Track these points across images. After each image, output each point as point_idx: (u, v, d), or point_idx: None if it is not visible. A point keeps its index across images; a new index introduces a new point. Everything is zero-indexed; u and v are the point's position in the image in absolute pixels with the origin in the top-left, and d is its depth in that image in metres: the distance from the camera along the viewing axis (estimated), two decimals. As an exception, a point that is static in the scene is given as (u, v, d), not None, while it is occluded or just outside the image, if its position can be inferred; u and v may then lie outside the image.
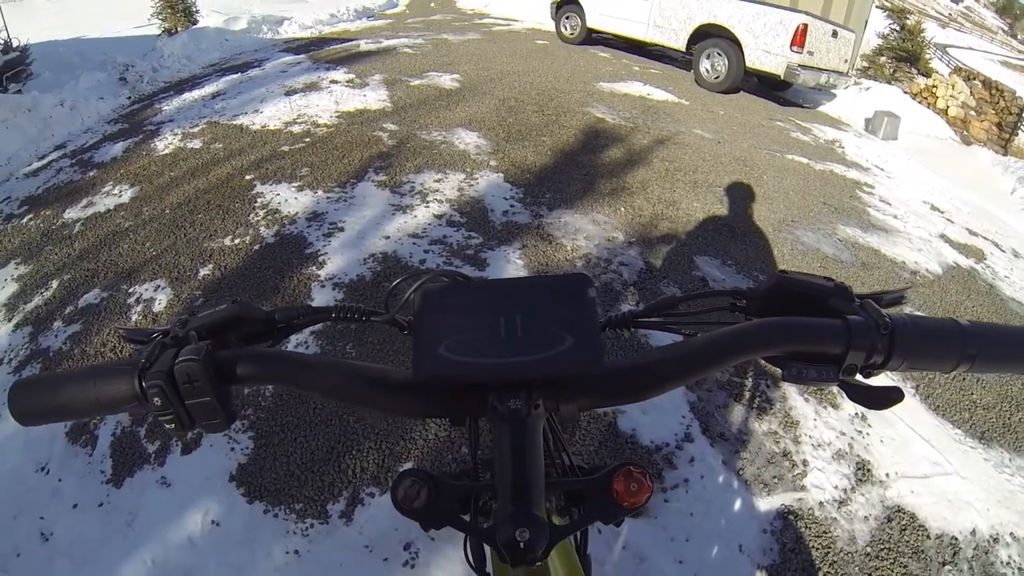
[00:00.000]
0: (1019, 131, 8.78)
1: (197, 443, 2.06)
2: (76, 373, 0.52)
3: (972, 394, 2.67)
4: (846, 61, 7.72)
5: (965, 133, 8.44)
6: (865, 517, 2.00)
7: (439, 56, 7.10)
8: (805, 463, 2.15)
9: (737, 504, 1.97)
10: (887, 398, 0.50)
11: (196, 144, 4.31)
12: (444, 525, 0.47)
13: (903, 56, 10.32)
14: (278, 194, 3.56)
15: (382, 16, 10.84)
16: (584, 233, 3.35)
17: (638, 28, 8.08)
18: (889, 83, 9.32)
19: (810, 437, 2.26)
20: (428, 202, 3.51)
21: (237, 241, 3.10)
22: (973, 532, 2.01)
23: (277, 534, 1.79)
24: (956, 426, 2.49)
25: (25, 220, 3.53)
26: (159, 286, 2.79)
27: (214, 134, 4.48)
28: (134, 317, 2.63)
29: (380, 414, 2.02)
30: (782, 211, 4.09)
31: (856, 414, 2.41)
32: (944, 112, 8.66)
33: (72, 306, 2.72)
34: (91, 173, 4.04)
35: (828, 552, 1.87)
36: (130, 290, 2.78)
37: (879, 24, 10.82)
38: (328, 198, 3.53)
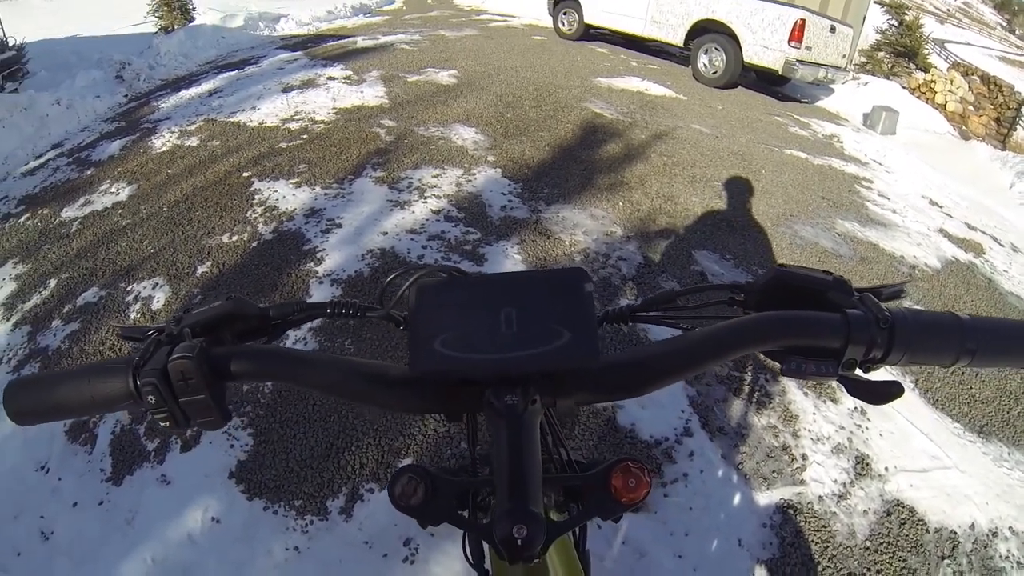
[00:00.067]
0: (1017, 126, 8.79)
1: (197, 440, 2.06)
2: (71, 372, 0.51)
3: (971, 388, 2.67)
4: (844, 56, 7.71)
5: (963, 128, 8.44)
6: (864, 511, 2.00)
7: (436, 52, 7.08)
8: (804, 457, 2.15)
9: (736, 498, 1.98)
10: (887, 392, 0.50)
11: (193, 142, 4.30)
12: (441, 522, 0.47)
13: (901, 51, 10.33)
14: (276, 191, 3.55)
15: (379, 12, 10.80)
16: (582, 228, 3.35)
17: (636, 24, 8.06)
18: (887, 78, 9.32)
19: (809, 431, 2.26)
20: (426, 198, 3.51)
21: (235, 238, 3.10)
22: (972, 526, 2.01)
23: (277, 531, 1.79)
24: (955, 420, 2.49)
25: (23, 219, 3.52)
26: (157, 284, 2.78)
27: (211, 131, 4.47)
28: (132, 315, 2.62)
29: (377, 410, 2.02)
30: (780, 205, 4.09)
31: (855, 408, 2.41)
32: (942, 107, 8.67)
33: (70, 305, 2.72)
34: (88, 171, 4.03)
35: (827, 546, 1.87)
36: (128, 288, 2.78)
37: (877, 19, 10.80)
38: (326, 194, 3.52)
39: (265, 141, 4.25)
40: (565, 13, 8.82)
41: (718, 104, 6.46)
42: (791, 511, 1.95)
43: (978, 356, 0.50)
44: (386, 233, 3.14)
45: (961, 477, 2.20)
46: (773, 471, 2.08)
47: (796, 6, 6.76)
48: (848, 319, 0.50)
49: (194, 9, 8.52)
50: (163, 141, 4.37)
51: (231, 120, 4.68)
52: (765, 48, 6.85)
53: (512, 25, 9.80)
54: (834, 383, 0.53)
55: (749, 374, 2.47)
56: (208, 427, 0.51)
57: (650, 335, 2.54)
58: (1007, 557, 1.94)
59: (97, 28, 9.11)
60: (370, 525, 1.80)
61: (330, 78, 5.75)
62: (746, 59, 7.02)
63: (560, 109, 5.23)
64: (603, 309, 0.64)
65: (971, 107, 8.68)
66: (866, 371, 0.52)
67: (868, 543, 1.90)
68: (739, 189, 4.22)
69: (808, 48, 6.81)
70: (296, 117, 4.70)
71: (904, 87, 8.83)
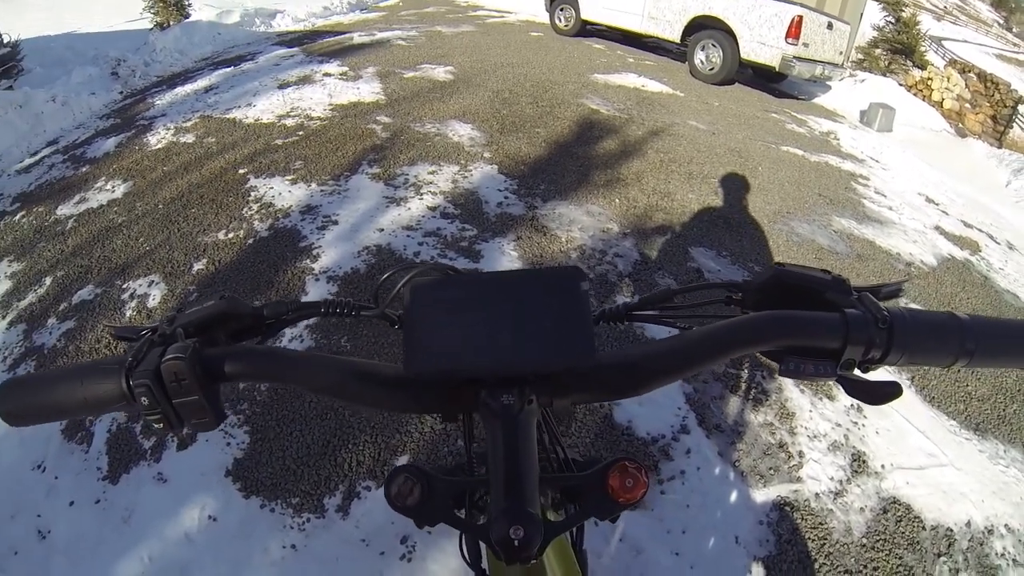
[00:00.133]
0: (1014, 124, 8.80)
1: (193, 438, 2.06)
2: (63, 372, 0.51)
3: (967, 385, 2.68)
4: (841, 53, 7.70)
5: (960, 126, 8.45)
6: (861, 508, 2.01)
7: (433, 48, 7.06)
8: (801, 454, 2.15)
9: (733, 496, 1.98)
10: (885, 393, 0.49)
11: (189, 138, 4.29)
12: (438, 522, 0.47)
13: (898, 48, 10.32)
14: (272, 187, 3.54)
15: (375, 9, 10.76)
16: (579, 224, 3.34)
17: (633, 20, 8.04)
18: (884, 75, 9.32)
19: (806, 428, 2.27)
20: (422, 194, 3.50)
21: (231, 235, 3.09)
22: (968, 524, 2.02)
23: (274, 529, 1.78)
24: (951, 417, 2.50)
25: (17, 217, 3.51)
26: (153, 281, 2.77)
27: (207, 128, 4.45)
28: (128, 313, 2.61)
29: (372, 410, 2.02)
30: (777, 202, 4.09)
31: (852, 405, 2.42)
32: (939, 105, 8.67)
33: (66, 303, 2.71)
34: (84, 169, 4.02)
35: (824, 543, 1.88)
36: (124, 286, 2.77)
37: (874, 16, 10.80)
38: (322, 191, 3.51)
39: (261, 138, 4.24)
40: (562, 9, 8.80)
41: (715, 100, 6.45)
42: (788, 508, 1.96)
43: (976, 356, 0.50)
44: (382, 230, 3.13)
45: (957, 475, 2.21)
46: (770, 468, 2.08)
47: (794, 3, 6.75)
48: (847, 319, 0.50)
49: (190, 5, 8.46)
50: (159, 138, 4.35)
51: (227, 117, 4.66)
52: (762, 44, 6.85)
53: (509, 21, 9.78)
54: (831, 383, 0.53)
55: (746, 371, 2.47)
56: (202, 428, 0.51)
57: (647, 333, 2.54)
58: (1003, 555, 1.95)
59: (92, 24, 9.06)
60: (367, 523, 1.80)
61: (326, 74, 5.73)
62: (743, 55, 7.01)
63: (557, 105, 5.23)
64: (599, 308, 0.64)
65: (968, 105, 8.68)
66: (864, 371, 0.52)
67: (864, 540, 1.91)
68: (736, 186, 4.22)
69: (805, 45, 6.81)
70: (292, 113, 4.68)
71: (901, 84, 8.84)
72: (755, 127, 5.79)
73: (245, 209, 3.33)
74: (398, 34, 7.82)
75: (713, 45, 7.17)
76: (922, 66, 10.09)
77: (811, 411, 2.35)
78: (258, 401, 2.17)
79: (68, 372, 0.51)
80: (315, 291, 2.68)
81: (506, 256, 2.99)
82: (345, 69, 5.93)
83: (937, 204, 4.94)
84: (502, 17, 10.12)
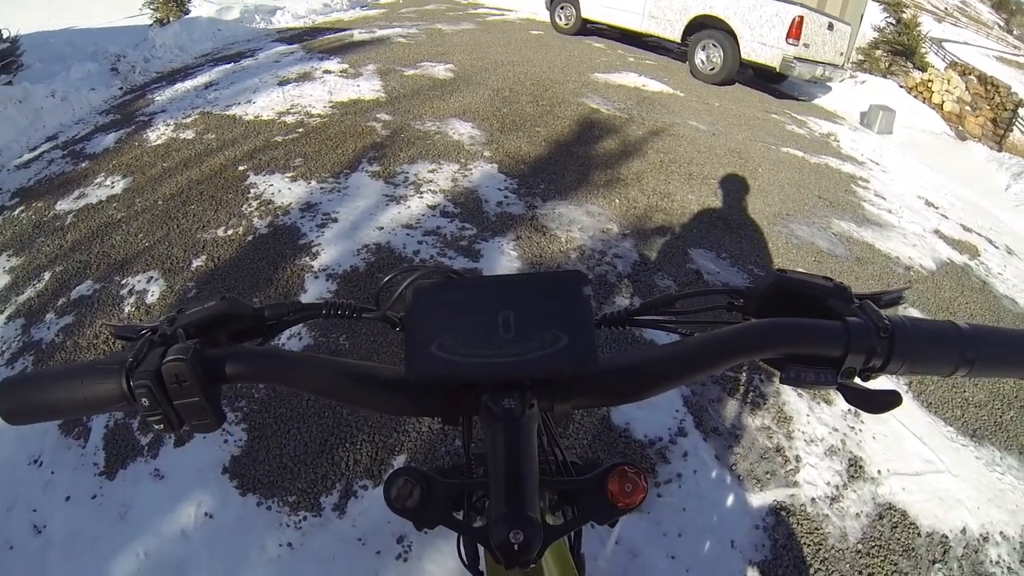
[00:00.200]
0: (1014, 127, 8.81)
1: (190, 435, 2.05)
2: (63, 371, 0.51)
3: (964, 392, 2.68)
4: (842, 54, 7.71)
5: (960, 128, 8.46)
6: (857, 514, 2.01)
7: (433, 46, 7.05)
8: (798, 459, 2.16)
9: (730, 499, 1.98)
10: (885, 402, 0.49)
11: (189, 135, 4.28)
12: (437, 524, 0.47)
13: (899, 50, 10.34)
14: (271, 184, 3.53)
15: (376, 6, 10.74)
16: (578, 225, 3.34)
17: (633, 19, 8.04)
18: (884, 77, 9.33)
19: (803, 433, 2.27)
20: (422, 193, 3.50)
21: (230, 232, 3.08)
22: (963, 530, 2.02)
23: (270, 527, 1.78)
24: (948, 424, 2.50)
25: (16, 212, 3.50)
26: (152, 277, 2.77)
27: (207, 124, 4.45)
28: (127, 309, 2.61)
29: (372, 412, 2.02)
30: (777, 204, 4.09)
31: (849, 411, 2.42)
32: (939, 107, 8.68)
33: (64, 298, 2.70)
34: (83, 164, 4.01)
35: (820, 549, 1.88)
36: (123, 282, 2.76)
37: (875, 17, 10.82)
38: (322, 188, 3.51)
39: (261, 135, 4.23)
40: (562, 8, 8.80)
41: (715, 101, 6.45)
42: (784, 513, 1.96)
43: (977, 365, 0.50)
44: (382, 228, 3.13)
45: (953, 481, 2.21)
46: (767, 472, 2.09)
47: (794, 3, 6.75)
48: (848, 327, 0.50)
49: (190, 1, 8.46)
50: (158, 134, 4.34)
51: (227, 113, 4.65)
52: (763, 45, 6.85)
53: (509, 19, 9.77)
54: (831, 391, 0.53)
55: (744, 375, 2.47)
56: (202, 430, 0.50)
57: (647, 336, 2.54)
58: (997, 562, 1.95)
59: (92, 20, 9.04)
60: (364, 522, 1.80)
61: (326, 71, 5.72)
62: (744, 56, 7.01)
63: (557, 104, 5.22)
64: (601, 312, 0.64)
65: (968, 107, 8.69)
66: (865, 380, 0.52)
67: (860, 546, 1.91)
68: (736, 187, 4.22)
69: (806, 45, 6.81)
70: (292, 111, 4.68)
71: (901, 86, 8.84)
72: (755, 128, 5.79)
73: (245, 206, 3.33)
74: (398, 31, 7.81)
75: (714, 45, 7.17)
76: (923, 68, 10.10)
77: (808, 415, 2.35)
78: (256, 399, 2.16)
79: (68, 371, 0.51)
80: (314, 289, 2.68)
81: (506, 256, 2.99)
82: (345, 66, 5.92)
83: (937, 207, 4.94)
84: (502, 15, 10.11)
